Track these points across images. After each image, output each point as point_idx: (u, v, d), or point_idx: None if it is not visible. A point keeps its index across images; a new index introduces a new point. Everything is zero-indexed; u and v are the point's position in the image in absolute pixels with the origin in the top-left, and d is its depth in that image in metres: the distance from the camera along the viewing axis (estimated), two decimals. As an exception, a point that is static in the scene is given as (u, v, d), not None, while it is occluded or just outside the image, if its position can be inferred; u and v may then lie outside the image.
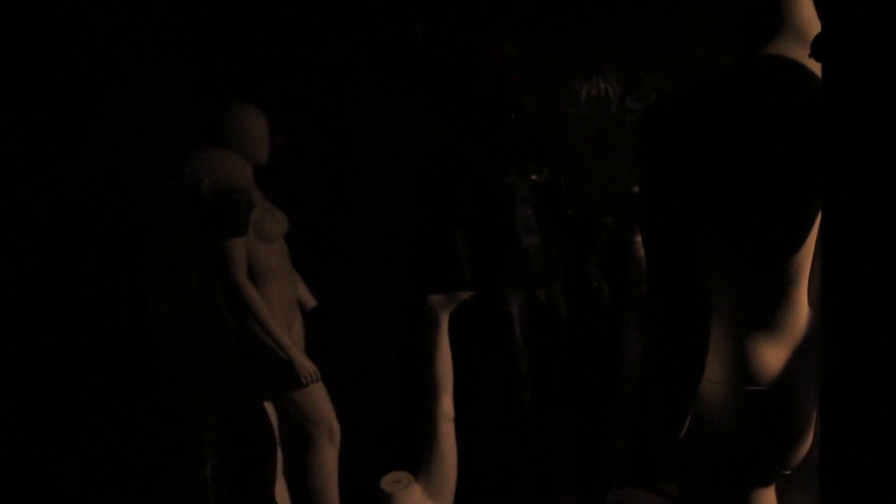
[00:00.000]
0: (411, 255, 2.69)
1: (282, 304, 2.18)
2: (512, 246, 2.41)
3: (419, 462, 2.34)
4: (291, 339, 2.11)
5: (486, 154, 2.44)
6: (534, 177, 2.44)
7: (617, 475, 2.69)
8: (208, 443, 1.04)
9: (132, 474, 0.96)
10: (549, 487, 2.63)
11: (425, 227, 2.63)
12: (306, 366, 2.11)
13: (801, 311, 1.09)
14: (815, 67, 0.98)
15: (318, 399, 2.22)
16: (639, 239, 2.48)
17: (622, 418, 2.60)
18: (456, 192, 2.47)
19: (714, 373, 1.07)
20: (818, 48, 0.91)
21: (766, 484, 1.14)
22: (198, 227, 1.44)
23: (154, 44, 2.00)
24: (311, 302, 2.46)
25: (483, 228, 2.44)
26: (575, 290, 2.58)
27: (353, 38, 2.58)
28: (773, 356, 1.07)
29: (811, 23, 1.03)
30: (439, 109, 2.63)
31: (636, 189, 2.41)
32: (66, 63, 1.39)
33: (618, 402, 2.59)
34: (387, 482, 2.31)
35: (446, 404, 2.33)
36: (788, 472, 1.16)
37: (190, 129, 2.15)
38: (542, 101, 2.65)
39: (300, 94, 2.57)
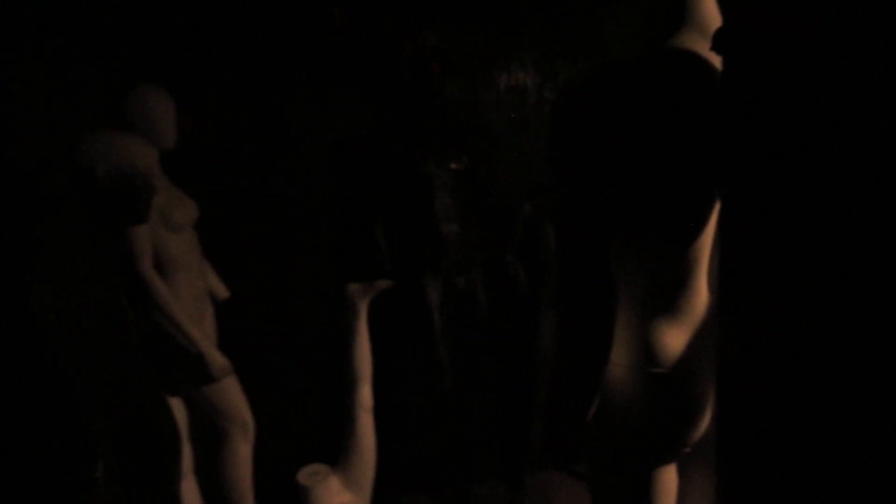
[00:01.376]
0: (329, 243, 2.64)
1: (191, 296, 2.09)
2: (431, 234, 2.41)
3: (337, 453, 2.31)
4: (202, 331, 2.03)
5: (406, 142, 2.42)
6: (453, 165, 2.44)
7: (533, 458, 2.76)
8: (100, 442, 0.98)
9: (12, 476, 0.89)
10: (466, 474, 2.66)
11: (343, 214, 2.59)
12: (218, 359, 2.03)
13: (701, 295, 1.14)
14: (717, 61, 1.02)
15: (231, 394, 2.15)
16: (555, 228, 2.53)
17: (538, 403, 2.67)
18: (374, 180, 2.44)
19: (619, 356, 1.11)
20: (719, 42, 0.95)
21: (668, 461, 1.19)
22: (95, 214, 1.36)
23: (52, 19, 1.86)
24: (223, 293, 2.37)
25: (402, 216, 2.43)
26: (493, 277, 2.60)
27: (269, 20, 2.50)
28: (674, 339, 1.11)
29: (713, 17, 1.07)
30: (358, 96, 2.58)
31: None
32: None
33: (533, 387, 2.65)
34: (304, 475, 2.27)
35: (365, 394, 2.31)
36: (688, 450, 1.21)
37: (91, 111, 2.01)
38: (461, 90, 2.65)
39: (212, 76, 2.46)
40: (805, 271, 0.79)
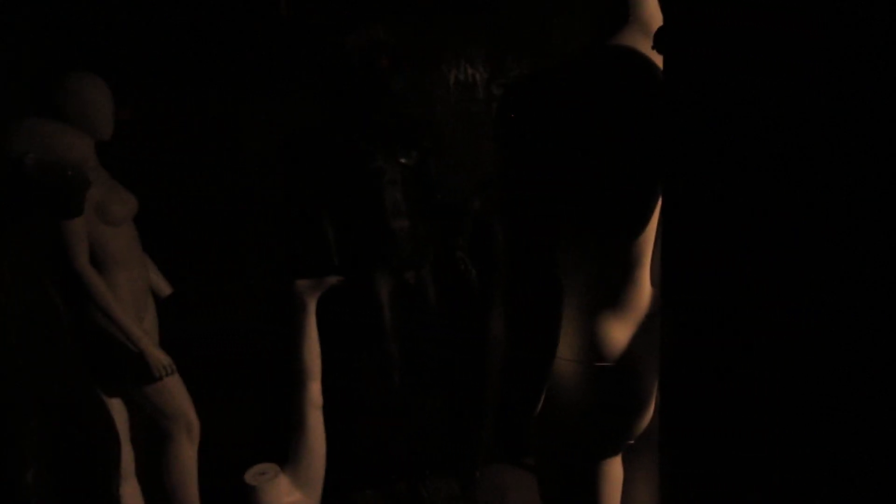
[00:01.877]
0: (276, 238, 2.59)
1: (131, 292, 2.02)
2: (380, 229, 2.38)
3: (286, 452, 2.28)
4: (142, 329, 1.96)
5: (355, 136, 2.39)
6: (403, 160, 2.42)
7: (484, 452, 2.78)
8: (28, 446, 0.93)
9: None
10: (418, 469, 2.66)
11: (291, 209, 2.54)
12: (160, 358, 1.97)
13: (645, 290, 1.16)
14: (658, 59, 1.04)
15: (174, 393, 2.09)
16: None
17: (488, 398, 2.68)
18: (323, 175, 2.40)
19: (564, 350, 1.12)
20: (660, 41, 0.96)
21: (613, 454, 1.21)
22: (23, 206, 1.29)
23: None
24: (165, 289, 2.30)
25: (351, 211, 2.40)
26: (443, 273, 2.60)
27: (214, 8, 2.43)
28: (619, 333, 1.13)
29: (655, 17, 1.09)
30: (305, 89, 2.54)
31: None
32: None
33: (484, 382, 2.67)
34: (251, 475, 2.22)
35: (314, 391, 2.28)
36: (633, 443, 1.23)
37: (19, 99, 1.91)
38: (410, 85, 2.63)
39: (154, 66, 2.37)
40: (746, 265, 0.81)
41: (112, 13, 2.30)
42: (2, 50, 1.99)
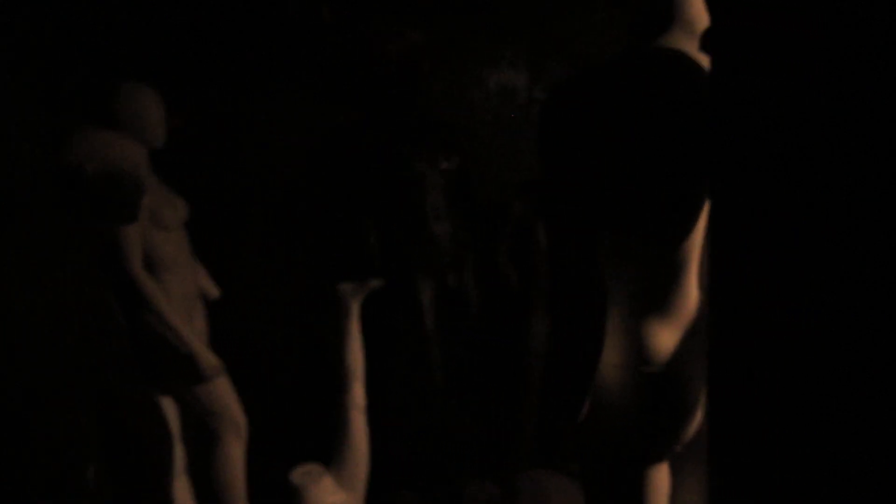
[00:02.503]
0: (317, 242, 2.63)
1: (182, 295, 2.08)
2: (421, 233, 2.40)
3: (330, 453, 2.31)
4: (193, 331, 2.02)
5: (395, 141, 2.41)
6: (444, 164, 2.43)
7: (525, 457, 2.76)
8: (89, 444, 0.97)
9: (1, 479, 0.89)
10: (459, 473, 2.66)
11: (332, 214, 2.58)
12: (209, 359, 2.03)
13: (692, 294, 1.15)
14: (704, 61, 1.02)
15: (223, 393, 2.14)
16: (547, 226, 2.53)
17: (530, 402, 2.67)
18: (364, 179, 2.43)
19: (610, 355, 1.11)
20: (707, 42, 0.95)
21: (660, 460, 1.19)
22: (82, 214, 1.34)
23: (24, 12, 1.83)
24: (214, 292, 2.36)
25: (392, 216, 2.42)
26: (484, 276, 2.60)
27: (257, 16, 2.48)
28: (665, 338, 1.12)
29: (700, 16, 1.08)
30: (346, 93, 2.57)
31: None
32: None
33: (525, 386, 2.65)
34: (297, 475, 2.26)
35: (357, 394, 2.30)
36: (680, 448, 1.22)
37: (73, 109, 1.99)
38: (451, 89, 2.65)
39: (198, 73, 2.44)
40: (795, 270, 0.79)
41: (159, 24, 2.38)
42: (58, 63, 2.07)
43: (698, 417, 1.20)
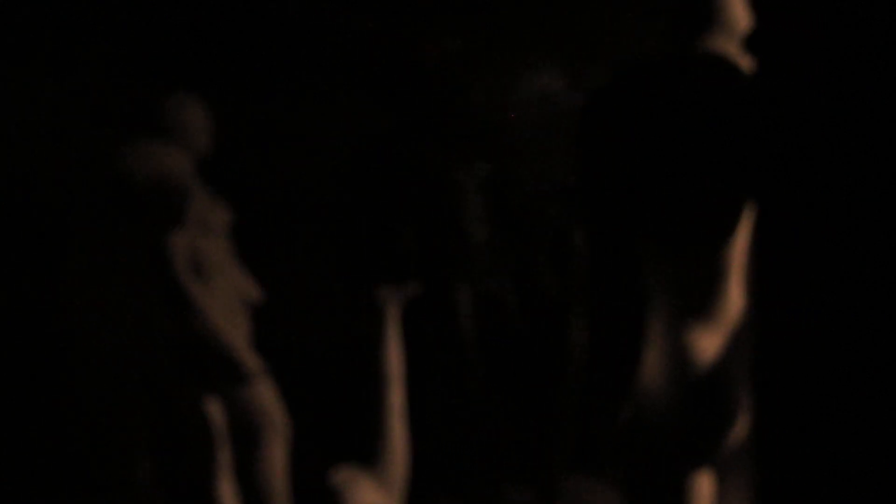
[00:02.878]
0: (356, 248, 2.66)
1: (226, 299, 2.13)
2: (459, 239, 2.41)
3: (370, 456, 2.33)
4: (236, 334, 2.07)
5: (433, 146, 2.43)
6: (482, 169, 2.44)
7: (565, 463, 2.74)
8: (140, 445, 1.01)
9: (55, 479, 0.93)
10: (498, 477, 2.66)
11: (370, 219, 2.61)
12: (252, 362, 2.07)
13: (734, 299, 1.13)
14: (745, 63, 1.01)
15: (265, 395, 2.18)
16: (585, 230, 2.51)
17: (569, 407, 2.65)
18: (402, 186, 2.46)
19: (652, 360, 1.10)
20: (751, 44, 0.94)
21: (703, 466, 1.17)
22: (131, 221, 1.40)
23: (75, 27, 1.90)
24: (257, 296, 2.41)
25: (430, 222, 2.44)
26: (522, 281, 2.60)
27: (301, 22, 2.53)
28: (707, 343, 1.10)
29: (741, 19, 1.06)
30: (385, 99, 2.60)
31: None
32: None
33: (565, 392, 2.63)
34: (336, 477, 2.28)
35: (398, 397, 2.32)
36: (725, 456, 1.20)
37: (118, 118, 2.06)
38: (489, 94, 2.65)
39: (242, 79, 2.50)
40: (843, 275, 0.78)
41: (196, 29, 2.44)
42: (107, 74, 2.14)
43: (742, 424, 1.18)
